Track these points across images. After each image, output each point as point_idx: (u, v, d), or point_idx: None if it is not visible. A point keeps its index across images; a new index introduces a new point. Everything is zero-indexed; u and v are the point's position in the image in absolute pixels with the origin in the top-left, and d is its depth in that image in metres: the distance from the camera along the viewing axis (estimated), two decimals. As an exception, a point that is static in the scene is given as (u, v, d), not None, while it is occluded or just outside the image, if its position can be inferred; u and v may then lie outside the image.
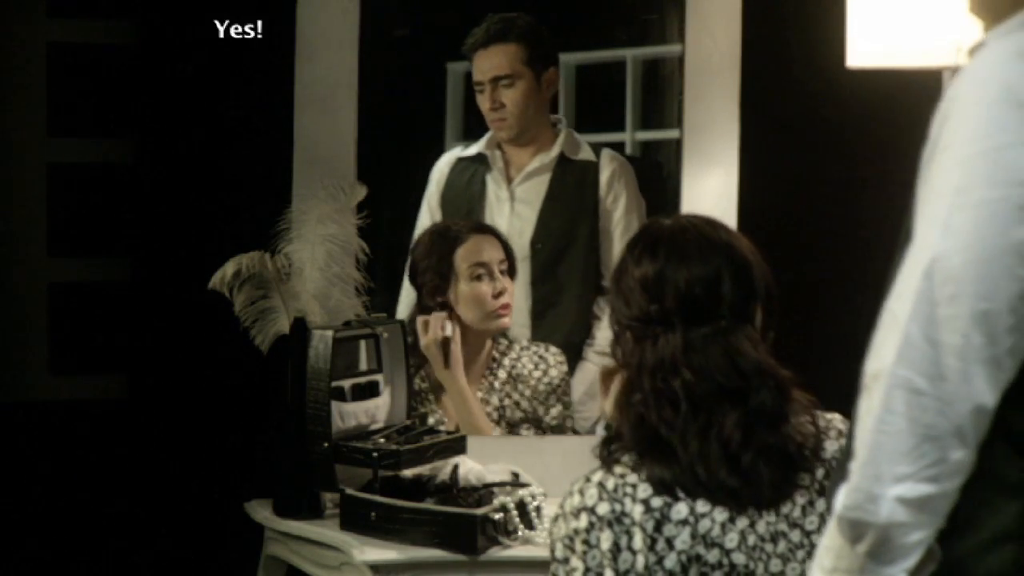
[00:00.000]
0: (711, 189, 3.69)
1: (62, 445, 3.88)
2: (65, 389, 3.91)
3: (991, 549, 1.67)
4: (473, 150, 3.84)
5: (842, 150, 3.86)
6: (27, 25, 3.86)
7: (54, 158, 3.90)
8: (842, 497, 1.69)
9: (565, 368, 3.62)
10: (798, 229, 3.80)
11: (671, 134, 3.84)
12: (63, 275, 3.92)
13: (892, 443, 1.64)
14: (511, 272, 3.58)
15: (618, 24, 4.01)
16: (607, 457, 2.13)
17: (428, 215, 3.80)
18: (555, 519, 2.09)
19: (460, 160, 3.85)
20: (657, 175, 3.97)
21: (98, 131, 3.92)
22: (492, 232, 3.58)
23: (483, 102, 3.76)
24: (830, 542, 1.71)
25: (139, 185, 3.87)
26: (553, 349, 3.63)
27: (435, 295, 3.53)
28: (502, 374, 3.56)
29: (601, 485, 2.07)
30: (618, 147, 4.00)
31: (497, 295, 3.51)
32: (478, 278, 3.50)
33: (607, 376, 2.23)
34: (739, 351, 2.11)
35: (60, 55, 3.89)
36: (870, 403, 1.67)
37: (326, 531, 3.07)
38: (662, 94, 3.93)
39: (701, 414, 2.08)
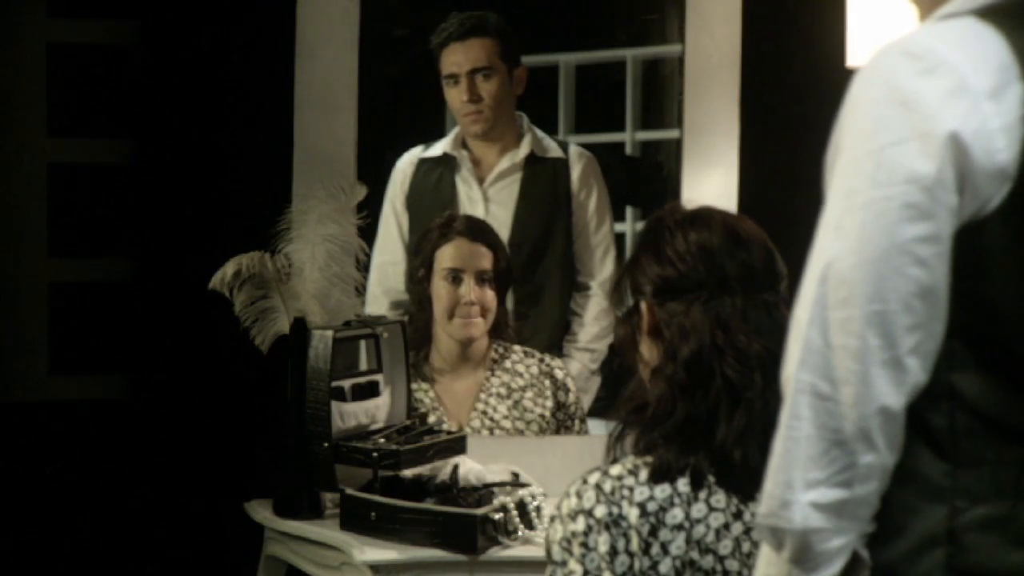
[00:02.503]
0: (711, 189, 3.69)
1: (62, 445, 3.88)
2: (65, 389, 3.91)
3: (921, 554, 1.65)
4: (437, 150, 3.84)
5: (842, 150, 3.85)
6: (27, 25, 3.86)
7: (54, 158, 3.90)
8: (760, 505, 1.69)
9: (573, 377, 3.63)
10: (798, 229, 3.79)
11: (671, 134, 3.84)
12: (63, 275, 3.92)
13: (801, 449, 1.64)
14: (499, 283, 3.54)
15: (618, 24, 4.01)
16: (619, 434, 2.10)
17: (393, 217, 3.80)
18: (552, 521, 2.07)
19: (423, 161, 3.85)
20: (657, 175, 3.97)
21: (98, 131, 3.92)
22: (484, 240, 3.54)
23: (458, 95, 3.76)
24: (763, 549, 1.72)
25: (139, 185, 3.87)
26: (557, 360, 3.63)
27: (420, 284, 3.55)
28: (507, 379, 3.56)
29: (598, 487, 2.05)
30: (618, 147, 4.00)
31: (461, 303, 3.49)
32: (451, 280, 3.50)
33: (629, 346, 2.19)
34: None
35: (60, 55, 3.89)
36: (782, 409, 1.67)
37: (326, 531, 3.07)
38: (662, 94, 3.93)
39: (748, 387, 2.05)
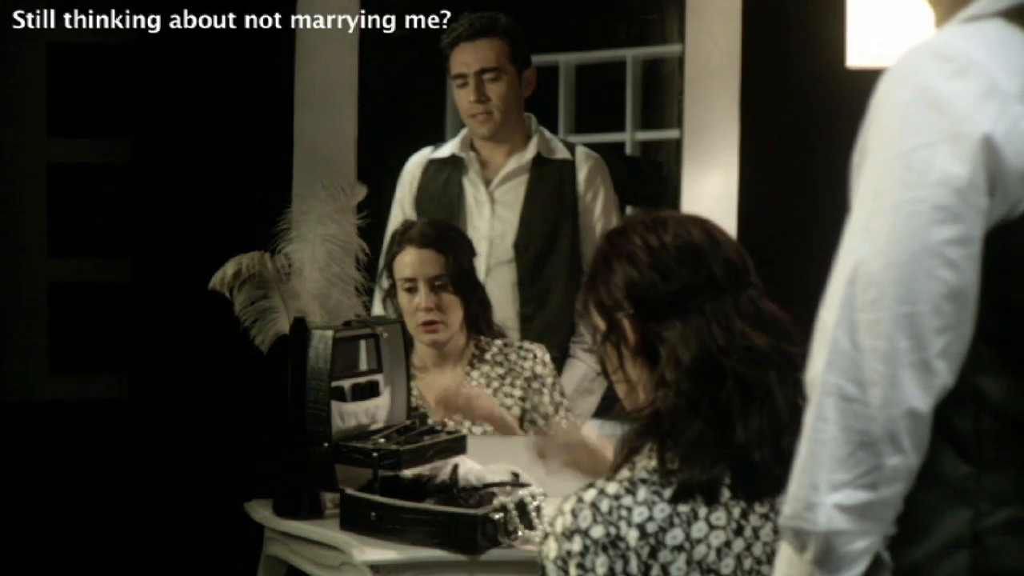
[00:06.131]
0: (711, 189, 3.69)
1: (62, 445, 3.88)
2: (65, 389, 3.91)
3: (945, 556, 1.65)
4: (445, 152, 3.84)
5: (842, 150, 3.86)
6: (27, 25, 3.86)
7: (54, 158, 3.90)
8: (784, 506, 1.68)
9: (551, 363, 3.58)
10: (798, 229, 3.80)
11: (671, 134, 3.85)
12: (63, 275, 3.92)
13: (827, 451, 1.63)
14: (457, 286, 3.51)
15: (618, 24, 4.02)
16: (633, 448, 2.03)
17: (402, 217, 3.81)
18: (545, 538, 2.02)
19: (432, 162, 3.85)
20: (657, 175, 3.98)
21: (98, 131, 3.92)
22: (434, 246, 3.49)
23: (466, 95, 3.76)
24: (783, 550, 1.71)
25: (139, 185, 3.87)
26: (537, 345, 3.59)
27: (389, 292, 3.55)
28: (486, 369, 3.55)
29: (595, 507, 1.99)
30: (618, 147, 4.01)
31: (417, 311, 3.47)
32: (407, 290, 3.49)
33: (613, 368, 2.14)
34: (782, 314, 2.07)
35: (60, 56, 3.89)
36: (808, 411, 1.66)
37: (326, 531, 3.07)
38: (662, 94, 3.94)
39: (761, 384, 2.01)
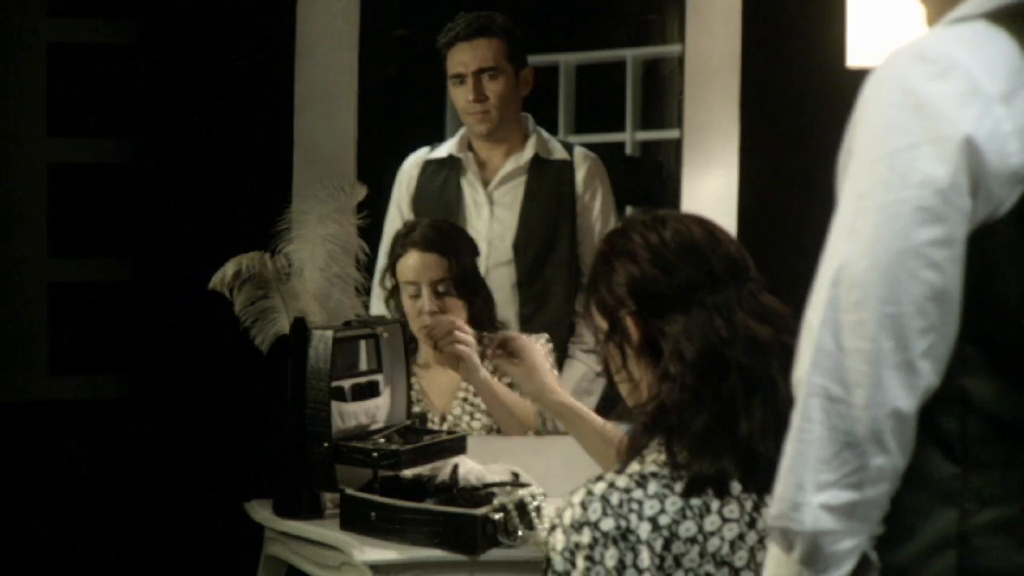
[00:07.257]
0: (711, 189, 3.69)
1: (62, 445, 3.88)
2: (65, 389, 3.91)
3: (931, 556, 1.65)
4: (443, 152, 3.84)
5: (842, 150, 3.86)
6: (27, 25, 3.86)
7: (54, 158, 3.90)
8: (771, 506, 1.69)
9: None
10: (798, 229, 3.80)
11: (671, 134, 3.85)
12: (63, 275, 3.92)
13: (812, 451, 1.64)
14: (460, 288, 3.51)
15: (618, 24, 4.01)
16: (641, 444, 2.04)
17: (399, 218, 3.81)
18: (552, 529, 2.02)
19: (429, 163, 3.85)
20: (657, 175, 3.97)
21: (98, 131, 3.92)
22: (437, 250, 3.50)
23: (463, 94, 3.76)
24: (771, 550, 1.72)
25: (139, 185, 3.87)
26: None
27: (392, 293, 3.55)
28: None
29: (605, 499, 1.99)
30: (618, 147, 4.01)
31: (420, 315, 3.47)
32: (410, 293, 3.49)
33: (616, 367, 2.14)
34: (783, 307, 2.09)
35: (60, 55, 3.89)
36: (794, 411, 1.67)
37: (326, 531, 3.07)
38: (662, 94, 3.94)
39: (764, 375, 2.02)
